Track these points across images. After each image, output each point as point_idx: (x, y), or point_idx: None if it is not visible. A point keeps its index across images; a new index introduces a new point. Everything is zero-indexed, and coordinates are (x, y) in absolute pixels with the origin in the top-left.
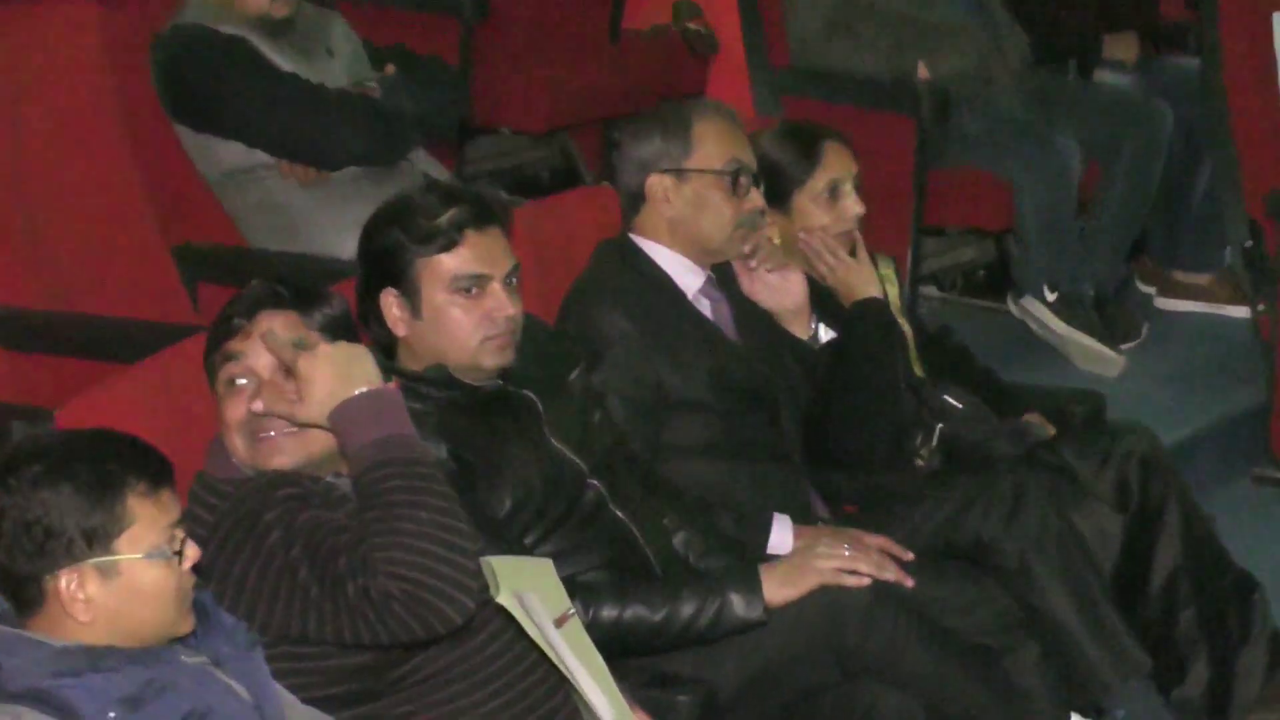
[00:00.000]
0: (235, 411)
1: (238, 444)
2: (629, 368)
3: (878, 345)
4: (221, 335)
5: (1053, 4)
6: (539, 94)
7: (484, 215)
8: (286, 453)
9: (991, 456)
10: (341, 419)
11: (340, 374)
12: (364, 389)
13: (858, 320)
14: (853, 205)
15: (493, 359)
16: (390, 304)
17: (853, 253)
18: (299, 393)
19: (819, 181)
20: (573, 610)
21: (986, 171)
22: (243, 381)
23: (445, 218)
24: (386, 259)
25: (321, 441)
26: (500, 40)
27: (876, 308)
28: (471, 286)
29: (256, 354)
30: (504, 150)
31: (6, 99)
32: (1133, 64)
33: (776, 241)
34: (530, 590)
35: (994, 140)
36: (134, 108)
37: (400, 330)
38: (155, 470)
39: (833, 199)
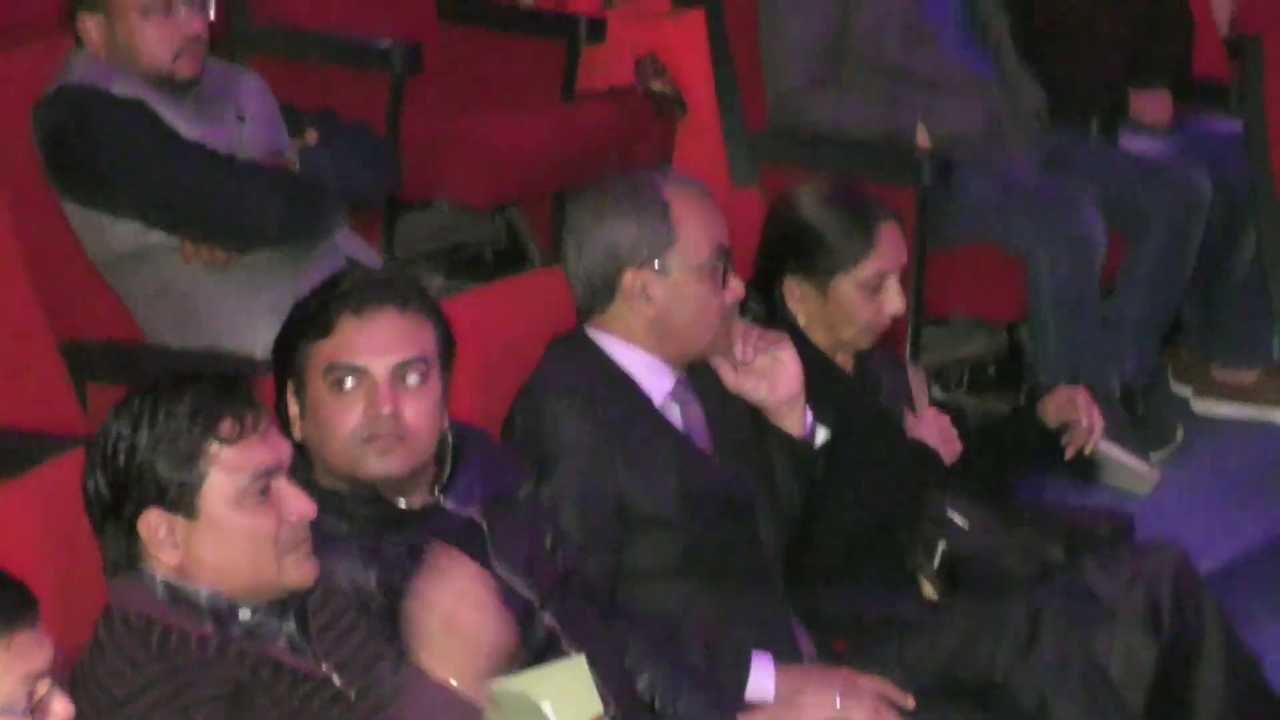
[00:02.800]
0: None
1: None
2: (586, 478)
3: (884, 448)
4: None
5: (1072, 55)
6: (480, 163)
7: (370, 294)
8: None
9: (1002, 577)
10: None
11: None
12: None
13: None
14: (894, 301)
15: (376, 465)
16: (291, 403)
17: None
18: None
19: (868, 269)
20: (609, 715)
21: (996, 249)
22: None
23: (321, 298)
24: (283, 350)
25: None
26: (436, 100)
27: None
28: (345, 378)
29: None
30: (441, 227)
31: None
32: (1165, 125)
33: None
34: (547, 698)
35: (1005, 211)
36: (14, 181)
37: (296, 432)
38: (10, 608)
39: (875, 290)
